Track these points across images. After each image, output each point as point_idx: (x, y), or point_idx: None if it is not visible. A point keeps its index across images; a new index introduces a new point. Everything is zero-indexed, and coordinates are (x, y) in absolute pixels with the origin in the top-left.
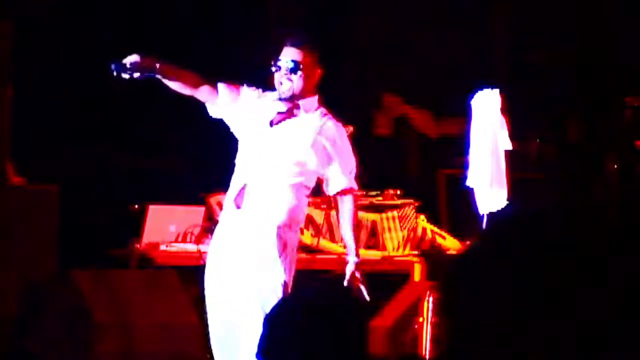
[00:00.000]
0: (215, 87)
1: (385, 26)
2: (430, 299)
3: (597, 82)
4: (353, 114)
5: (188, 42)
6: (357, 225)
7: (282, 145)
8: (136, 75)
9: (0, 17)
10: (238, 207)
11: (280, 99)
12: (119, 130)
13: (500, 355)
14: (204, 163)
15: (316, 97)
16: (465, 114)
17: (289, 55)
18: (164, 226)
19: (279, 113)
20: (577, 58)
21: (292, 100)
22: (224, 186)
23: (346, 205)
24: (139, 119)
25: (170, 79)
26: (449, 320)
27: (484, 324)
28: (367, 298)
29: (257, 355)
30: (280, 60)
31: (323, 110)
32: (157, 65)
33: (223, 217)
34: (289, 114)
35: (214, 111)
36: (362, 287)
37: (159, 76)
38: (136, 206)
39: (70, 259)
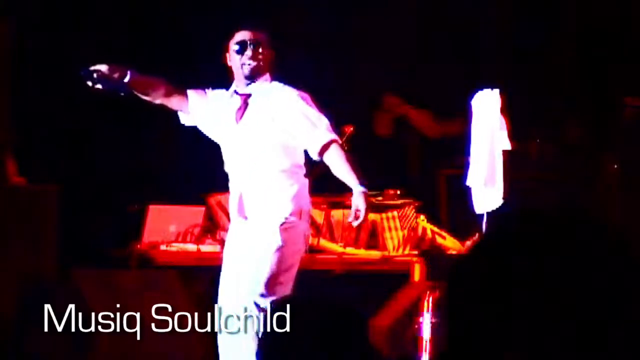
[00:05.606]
0: (184, 94)
1: (386, 26)
2: (430, 299)
3: (597, 82)
4: (353, 114)
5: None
6: (353, 164)
7: (254, 137)
8: (98, 86)
9: (0, 17)
10: (245, 218)
11: (244, 86)
12: (119, 130)
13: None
14: (204, 163)
15: (267, 75)
16: (465, 114)
17: (246, 36)
18: (164, 226)
19: (237, 110)
20: (578, 57)
21: (255, 78)
22: (224, 186)
23: (333, 157)
24: (139, 118)
25: (140, 91)
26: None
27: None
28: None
29: (257, 355)
30: (238, 42)
31: (274, 83)
32: (127, 78)
33: (233, 229)
34: (245, 105)
35: (186, 119)
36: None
37: (128, 89)
38: (136, 206)
39: (70, 259)
